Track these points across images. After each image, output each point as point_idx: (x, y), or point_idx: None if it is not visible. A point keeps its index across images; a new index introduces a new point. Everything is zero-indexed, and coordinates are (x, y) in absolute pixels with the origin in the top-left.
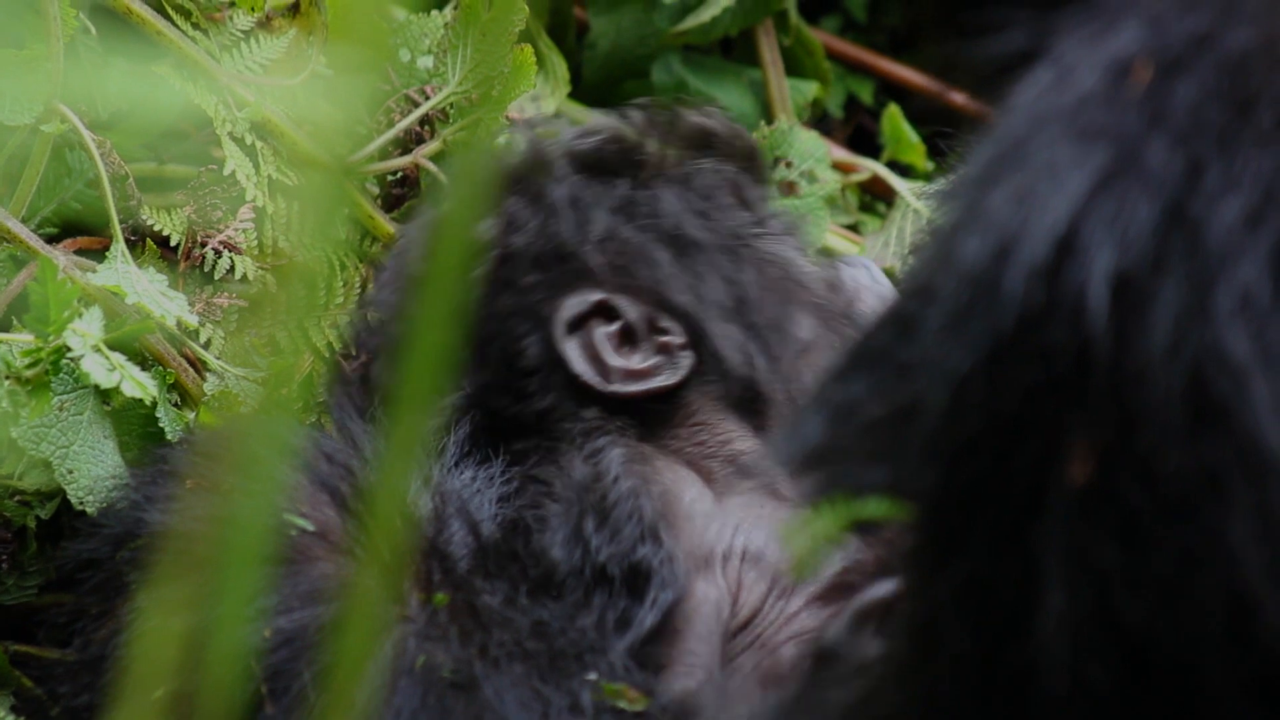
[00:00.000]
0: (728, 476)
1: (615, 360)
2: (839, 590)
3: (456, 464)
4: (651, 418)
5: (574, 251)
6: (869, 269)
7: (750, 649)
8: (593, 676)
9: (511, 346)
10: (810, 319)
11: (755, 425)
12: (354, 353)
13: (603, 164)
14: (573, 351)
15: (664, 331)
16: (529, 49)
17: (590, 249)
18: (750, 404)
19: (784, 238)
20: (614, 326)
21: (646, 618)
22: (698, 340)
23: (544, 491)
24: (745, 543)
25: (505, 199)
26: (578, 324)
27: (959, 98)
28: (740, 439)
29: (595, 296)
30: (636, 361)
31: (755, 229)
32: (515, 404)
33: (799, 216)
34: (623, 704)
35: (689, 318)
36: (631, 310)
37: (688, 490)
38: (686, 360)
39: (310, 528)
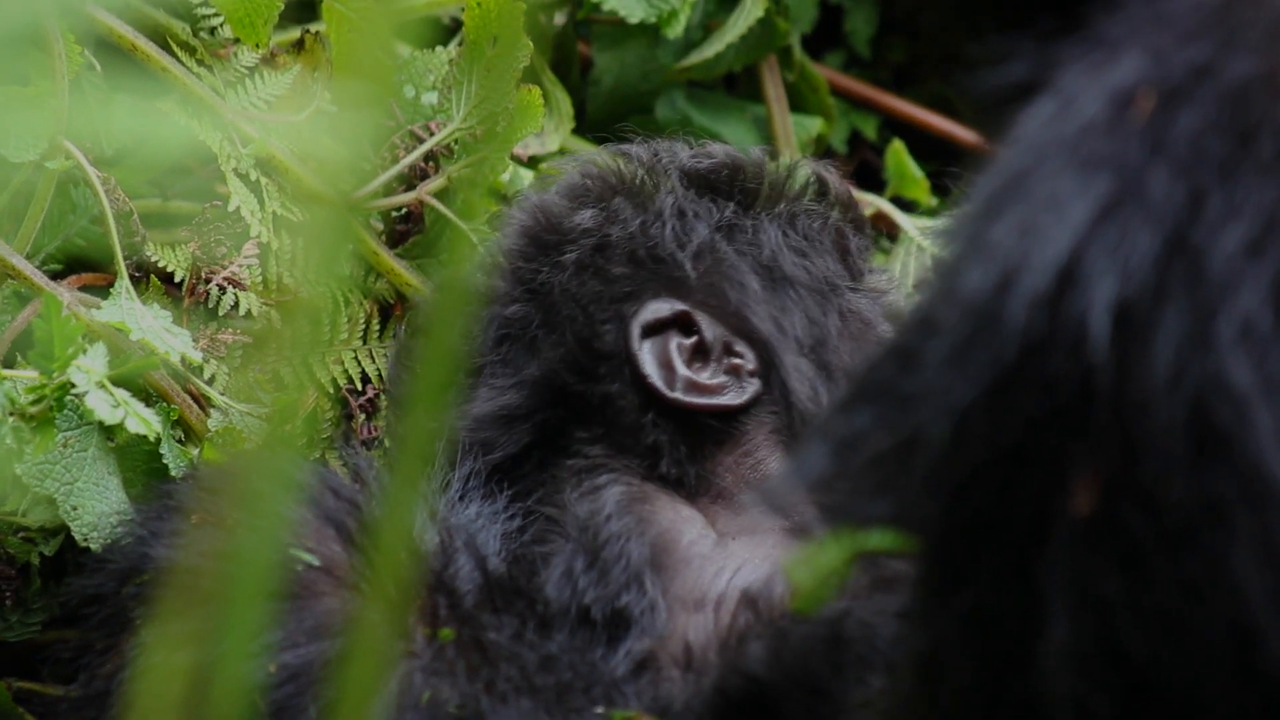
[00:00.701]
0: (739, 513)
1: (684, 370)
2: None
3: (461, 498)
4: (705, 437)
5: (668, 258)
6: None
7: None
8: (600, 709)
9: (589, 329)
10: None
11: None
12: (361, 389)
13: (714, 185)
14: (645, 354)
15: (737, 355)
16: (536, 90)
17: (684, 259)
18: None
19: (875, 297)
20: (689, 340)
21: (619, 666)
22: (768, 370)
23: (552, 527)
24: (744, 583)
25: (612, 198)
26: (656, 329)
27: (961, 131)
28: (761, 467)
29: (678, 307)
30: (704, 376)
31: (849, 281)
32: (583, 383)
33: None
34: None
35: (765, 346)
36: (709, 328)
37: (687, 532)
38: (753, 386)
39: (316, 563)
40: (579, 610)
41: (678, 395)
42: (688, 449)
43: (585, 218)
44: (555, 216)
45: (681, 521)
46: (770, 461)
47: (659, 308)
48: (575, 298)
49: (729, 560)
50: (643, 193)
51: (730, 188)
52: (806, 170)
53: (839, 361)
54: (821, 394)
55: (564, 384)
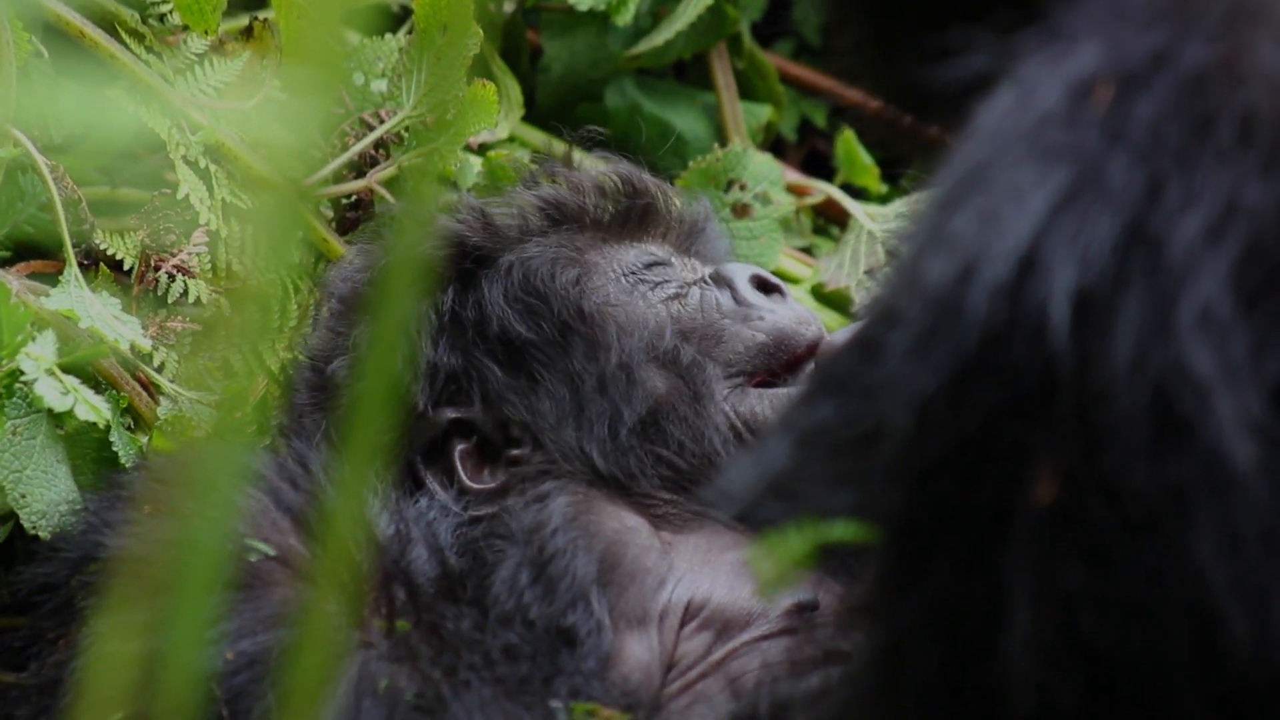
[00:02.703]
0: (679, 517)
1: (470, 483)
2: (793, 628)
3: (415, 490)
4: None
5: (410, 395)
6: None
7: (694, 691)
8: (558, 702)
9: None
10: (661, 373)
11: (626, 494)
12: (309, 374)
13: (437, 280)
14: (433, 480)
15: (515, 443)
16: (491, 86)
17: (424, 377)
18: (617, 486)
19: (623, 284)
20: (471, 442)
21: (565, 685)
22: (539, 448)
23: (499, 529)
24: (690, 595)
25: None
26: (434, 449)
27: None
28: (619, 513)
29: (447, 416)
30: (488, 480)
31: (582, 297)
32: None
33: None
34: None
35: (526, 428)
36: (484, 423)
37: (632, 544)
38: (535, 467)
39: (271, 552)
40: (525, 623)
41: (475, 512)
42: (588, 477)
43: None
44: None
45: (627, 532)
46: (601, 505)
47: (427, 429)
48: None
49: (672, 571)
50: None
51: (448, 275)
52: (522, 182)
53: (602, 405)
54: (592, 453)
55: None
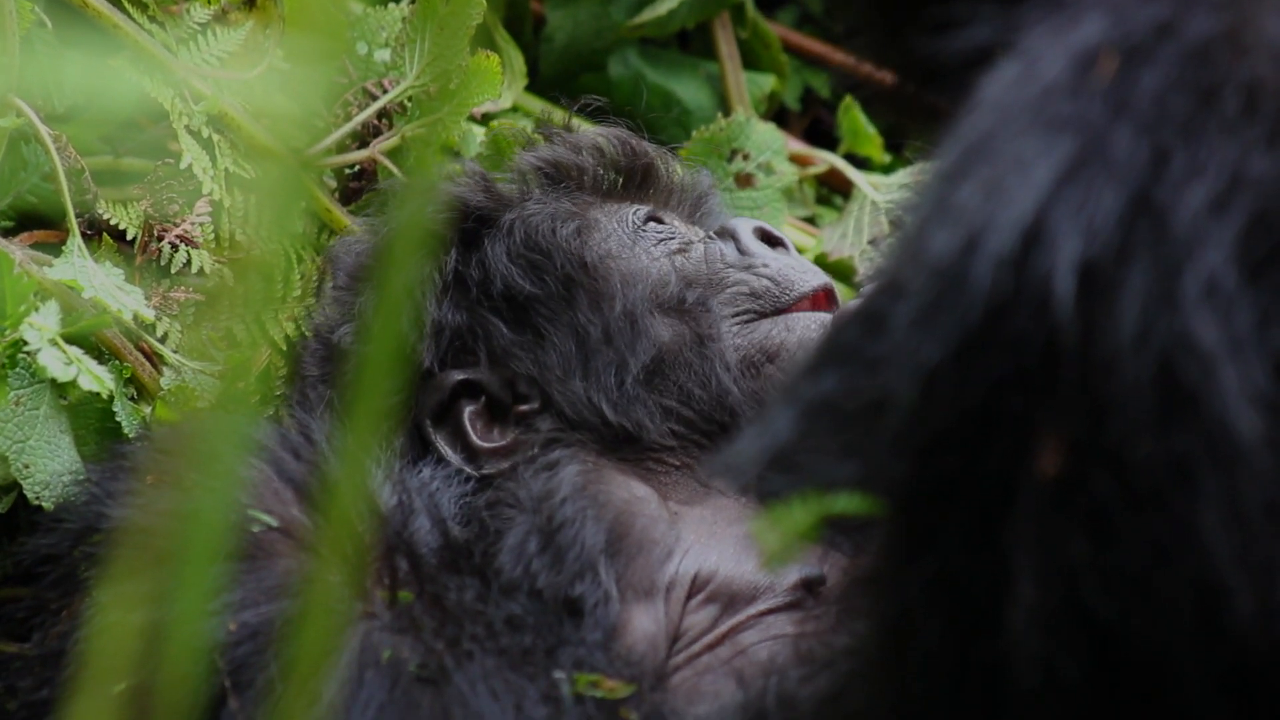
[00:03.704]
0: (687, 488)
1: (479, 443)
2: (799, 601)
3: (416, 460)
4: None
5: (416, 345)
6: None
7: (698, 664)
8: (561, 673)
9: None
10: (668, 319)
11: (635, 462)
12: (313, 345)
13: (440, 244)
14: (443, 442)
15: (524, 399)
16: (494, 57)
17: (429, 347)
18: (627, 442)
19: (625, 237)
20: (479, 403)
21: (569, 656)
22: (549, 403)
23: (506, 497)
24: (697, 567)
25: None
26: (443, 410)
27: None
28: (629, 482)
29: (454, 378)
30: (498, 439)
31: (585, 251)
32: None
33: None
34: (599, 694)
35: (535, 383)
36: (490, 384)
37: (641, 514)
38: (546, 424)
39: (274, 523)
40: (532, 591)
41: (485, 470)
42: (598, 446)
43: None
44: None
45: (636, 502)
46: (604, 464)
47: (435, 393)
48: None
49: (679, 543)
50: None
51: (452, 232)
52: (518, 147)
53: (609, 355)
54: (601, 404)
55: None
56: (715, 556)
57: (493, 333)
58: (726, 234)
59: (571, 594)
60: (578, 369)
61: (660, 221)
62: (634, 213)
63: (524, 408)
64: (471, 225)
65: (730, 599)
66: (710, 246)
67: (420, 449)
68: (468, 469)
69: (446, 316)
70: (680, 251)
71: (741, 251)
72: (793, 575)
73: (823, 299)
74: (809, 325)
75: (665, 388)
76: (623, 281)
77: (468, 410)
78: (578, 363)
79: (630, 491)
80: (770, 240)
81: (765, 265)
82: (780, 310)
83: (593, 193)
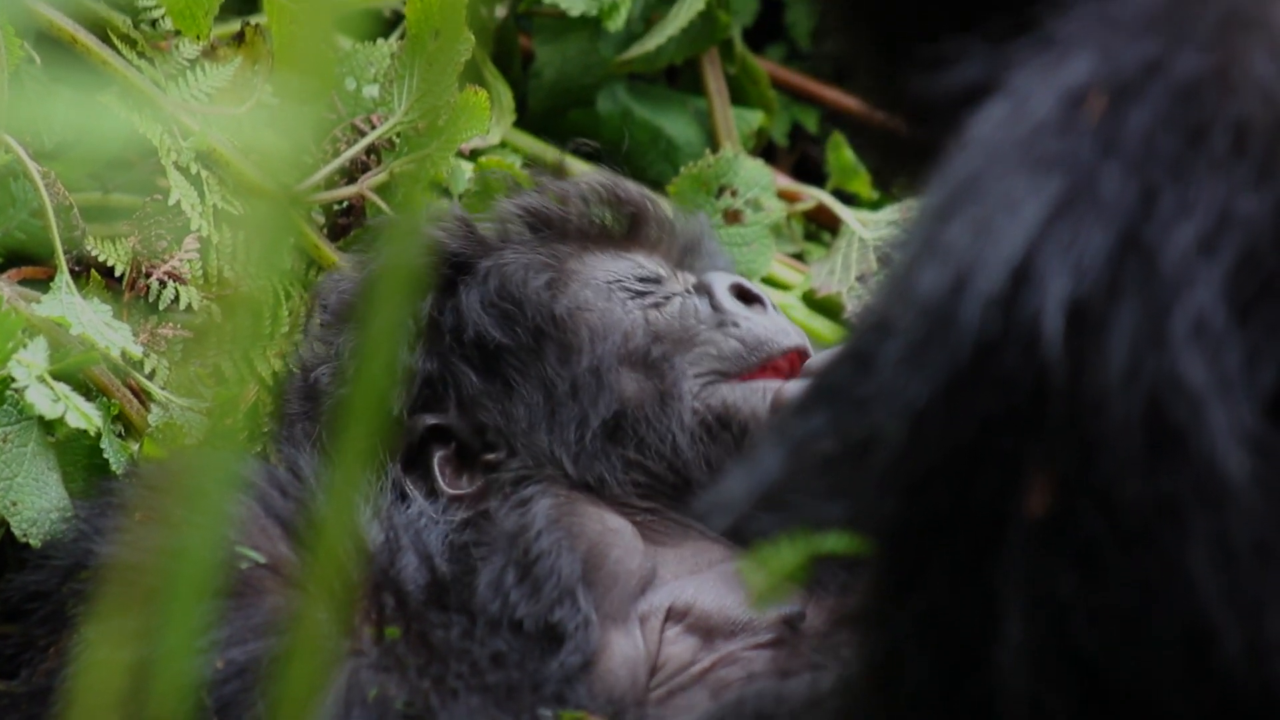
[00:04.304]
0: (662, 526)
1: (448, 489)
2: (780, 639)
3: (403, 496)
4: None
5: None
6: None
7: (679, 698)
8: (547, 710)
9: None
10: (634, 375)
11: (608, 499)
12: (300, 382)
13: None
14: (413, 489)
15: (491, 447)
16: (482, 92)
17: (402, 384)
18: (592, 491)
19: (600, 286)
20: (449, 449)
21: (553, 678)
22: (514, 453)
23: (482, 536)
24: (672, 599)
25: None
26: (413, 457)
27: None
28: (602, 515)
29: (425, 423)
30: (466, 485)
31: (557, 300)
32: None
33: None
34: None
35: (501, 433)
36: (461, 429)
37: (615, 545)
38: (510, 473)
39: (261, 560)
40: (511, 623)
41: (452, 516)
42: (569, 480)
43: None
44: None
45: (610, 534)
46: (584, 506)
47: (407, 434)
48: None
49: (655, 575)
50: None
51: (430, 277)
52: (501, 193)
53: (573, 409)
54: (562, 457)
55: None
56: (693, 589)
57: (463, 380)
58: (703, 289)
59: (551, 619)
60: (543, 421)
61: (645, 276)
62: (618, 265)
63: (491, 456)
64: (448, 271)
65: (708, 631)
66: (686, 302)
67: (419, 476)
68: (435, 515)
69: (419, 363)
70: (656, 305)
71: (715, 309)
72: (774, 612)
73: (795, 360)
74: (766, 395)
75: (626, 441)
76: (591, 336)
77: (438, 455)
78: (543, 415)
79: (604, 524)
80: (747, 297)
81: (736, 325)
82: (746, 372)
83: (576, 241)
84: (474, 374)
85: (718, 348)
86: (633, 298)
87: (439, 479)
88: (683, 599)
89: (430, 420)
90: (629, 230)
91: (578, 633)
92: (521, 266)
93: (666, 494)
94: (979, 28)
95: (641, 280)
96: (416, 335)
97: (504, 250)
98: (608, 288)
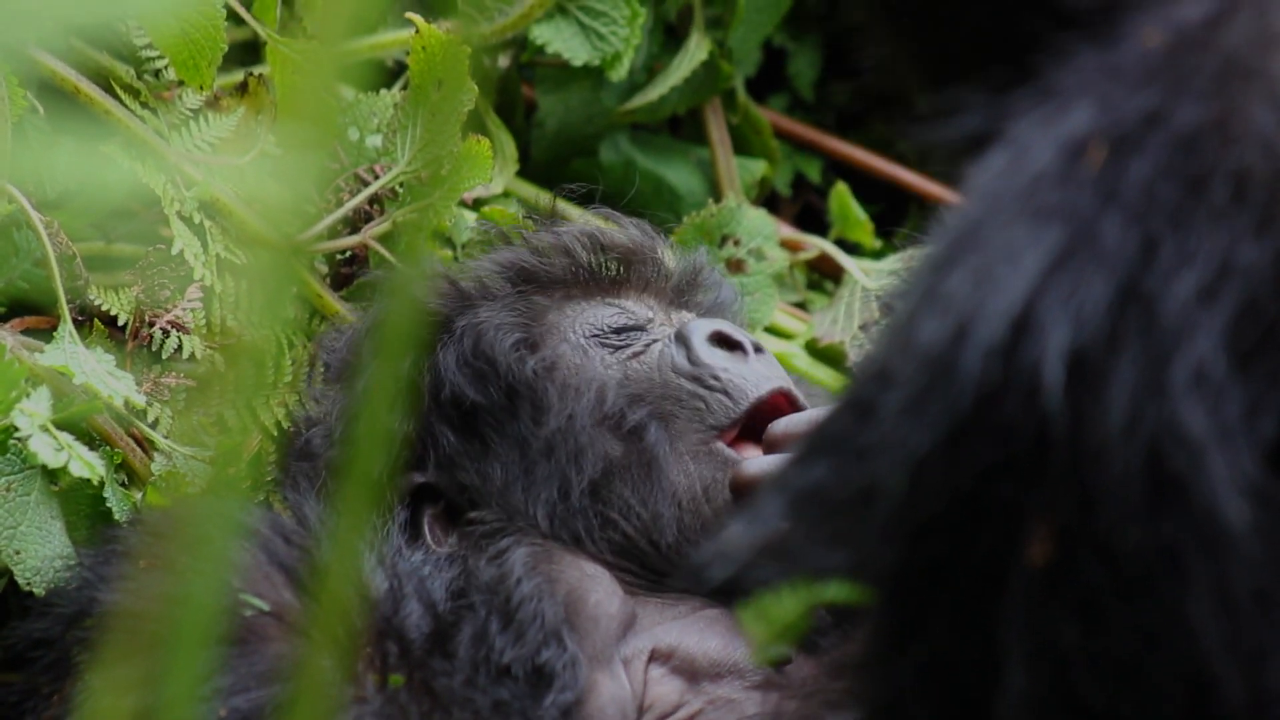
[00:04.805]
0: (641, 578)
1: (436, 547)
2: (768, 682)
3: (408, 544)
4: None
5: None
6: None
7: None
8: None
9: None
10: (605, 434)
11: (596, 559)
12: (303, 430)
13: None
14: (413, 541)
15: (474, 504)
16: (485, 141)
17: (396, 440)
18: (576, 546)
19: (578, 341)
20: (438, 506)
21: (548, 718)
22: (490, 508)
23: (467, 588)
24: (655, 641)
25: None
26: (410, 509)
27: (904, 174)
28: (579, 562)
29: (414, 481)
30: (456, 543)
31: (536, 355)
32: None
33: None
34: None
35: (479, 491)
36: (447, 487)
37: (594, 589)
38: (485, 527)
39: (265, 608)
40: (497, 669)
41: (449, 573)
42: (543, 529)
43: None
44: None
45: (588, 579)
46: (572, 559)
47: (399, 492)
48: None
49: (635, 618)
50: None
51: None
52: (484, 264)
53: (549, 468)
54: (540, 518)
55: None
56: (676, 632)
57: (440, 440)
58: (681, 339)
59: (538, 661)
60: (519, 480)
61: (629, 325)
62: (602, 314)
63: (473, 514)
64: (428, 329)
65: (694, 673)
66: (664, 353)
67: (412, 532)
68: (436, 565)
69: (401, 421)
70: (635, 356)
71: (692, 361)
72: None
73: (782, 402)
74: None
75: (609, 503)
76: (563, 395)
77: (427, 514)
78: (519, 474)
79: (581, 570)
80: (728, 344)
81: (715, 377)
82: (728, 427)
83: (559, 291)
84: (451, 433)
85: (696, 405)
86: (611, 351)
87: (428, 537)
88: (665, 641)
89: (418, 479)
90: (619, 272)
91: (565, 672)
92: (494, 325)
93: (638, 557)
94: (979, 78)
95: (621, 331)
96: (398, 394)
97: (480, 308)
98: (584, 342)
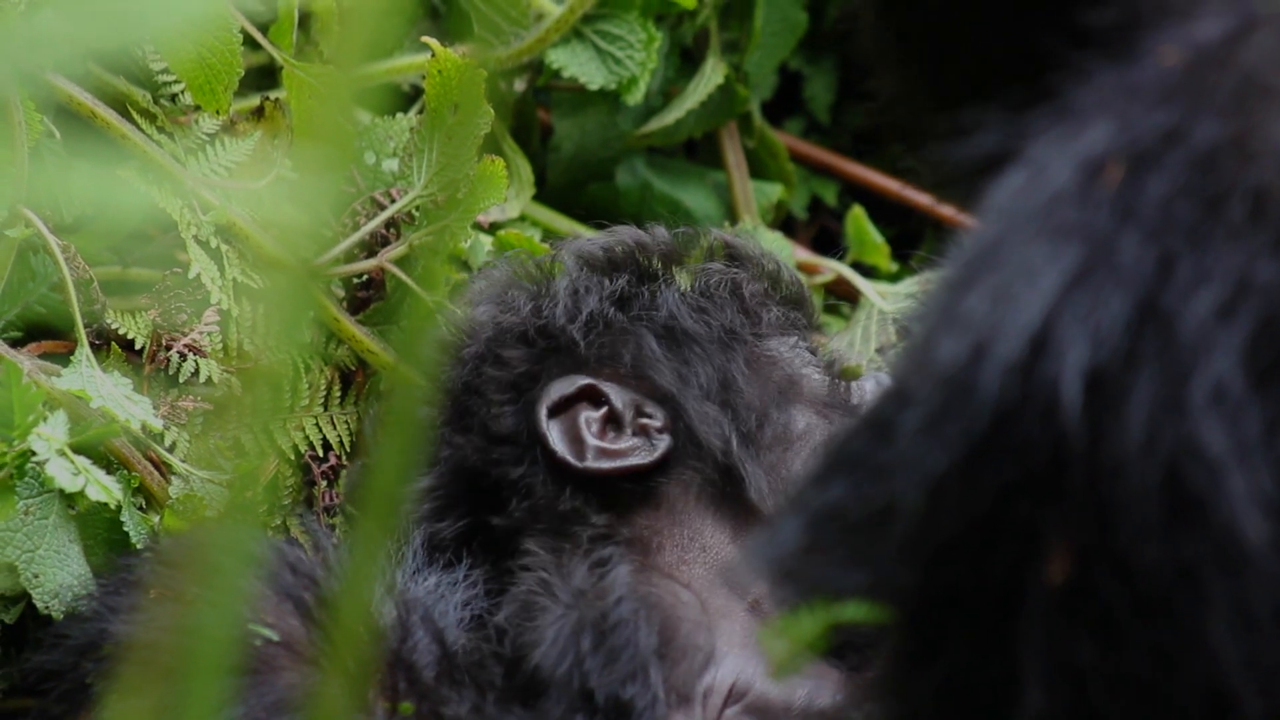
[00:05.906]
0: (720, 594)
1: (593, 441)
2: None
3: (419, 570)
4: (628, 502)
5: (559, 332)
6: (877, 380)
7: None
8: None
9: (489, 416)
10: (807, 414)
11: (734, 520)
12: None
13: (611, 262)
14: (554, 433)
15: (646, 415)
16: (500, 162)
17: (574, 331)
18: (730, 495)
19: (787, 339)
20: (599, 411)
21: None
22: (676, 423)
23: (536, 589)
24: (734, 677)
25: (506, 292)
26: (562, 406)
27: (920, 197)
28: (716, 538)
29: (580, 382)
30: (614, 442)
31: (751, 329)
32: (487, 471)
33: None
34: None
35: (670, 401)
36: (617, 395)
37: (686, 618)
38: (663, 443)
39: (275, 637)
40: (583, 691)
41: (588, 464)
42: (643, 548)
43: (481, 312)
44: (454, 319)
45: (681, 606)
46: (698, 520)
47: (562, 386)
48: (475, 388)
49: (717, 650)
50: (537, 281)
51: (626, 262)
52: (709, 238)
53: (749, 404)
54: (730, 436)
55: (475, 470)
56: (753, 668)
57: (643, 345)
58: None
59: (623, 696)
60: (717, 398)
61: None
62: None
63: (645, 421)
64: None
65: (766, 713)
66: (864, 382)
67: (426, 557)
68: (571, 460)
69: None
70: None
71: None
72: (828, 695)
73: None
74: None
75: (787, 460)
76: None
77: (584, 414)
78: (718, 392)
79: (676, 595)
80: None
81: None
82: None
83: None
84: (655, 342)
85: None
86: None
87: (584, 431)
88: (744, 677)
89: (585, 381)
90: (794, 307)
91: (645, 712)
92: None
93: None
94: (996, 97)
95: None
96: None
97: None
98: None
